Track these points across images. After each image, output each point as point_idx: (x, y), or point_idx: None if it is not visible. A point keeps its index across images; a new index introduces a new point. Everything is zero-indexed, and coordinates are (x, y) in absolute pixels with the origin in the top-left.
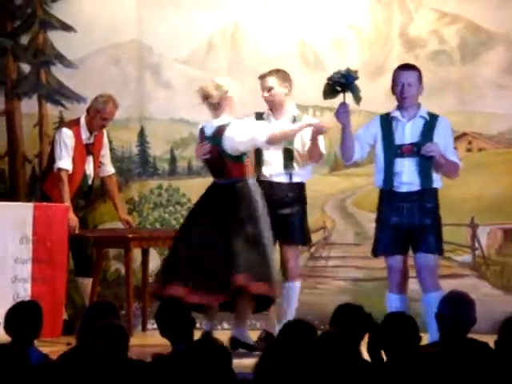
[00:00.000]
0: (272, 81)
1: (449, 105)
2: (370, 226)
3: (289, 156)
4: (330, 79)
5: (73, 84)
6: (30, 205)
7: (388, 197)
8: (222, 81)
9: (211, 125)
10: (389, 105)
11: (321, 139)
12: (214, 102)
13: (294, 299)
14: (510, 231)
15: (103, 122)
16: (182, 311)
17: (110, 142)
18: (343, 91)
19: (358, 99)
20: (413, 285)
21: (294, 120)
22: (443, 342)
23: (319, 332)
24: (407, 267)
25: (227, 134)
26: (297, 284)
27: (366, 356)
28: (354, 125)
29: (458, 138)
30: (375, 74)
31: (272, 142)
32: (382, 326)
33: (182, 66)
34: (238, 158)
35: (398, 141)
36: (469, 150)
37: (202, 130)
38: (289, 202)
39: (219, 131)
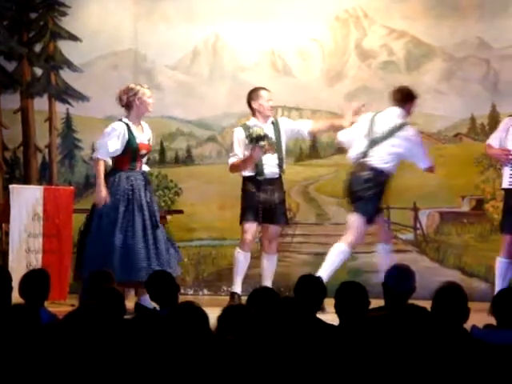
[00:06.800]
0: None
1: None
2: (330, 208)
3: None
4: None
5: (78, 85)
6: (41, 187)
7: None
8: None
9: None
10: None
11: None
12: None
13: None
14: (445, 214)
15: None
16: (169, 279)
17: None
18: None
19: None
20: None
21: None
22: (388, 307)
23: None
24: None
25: None
26: None
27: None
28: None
29: None
30: (334, 80)
31: None
32: (337, 293)
33: (171, 71)
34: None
35: None
36: None
37: None
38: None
39: None
